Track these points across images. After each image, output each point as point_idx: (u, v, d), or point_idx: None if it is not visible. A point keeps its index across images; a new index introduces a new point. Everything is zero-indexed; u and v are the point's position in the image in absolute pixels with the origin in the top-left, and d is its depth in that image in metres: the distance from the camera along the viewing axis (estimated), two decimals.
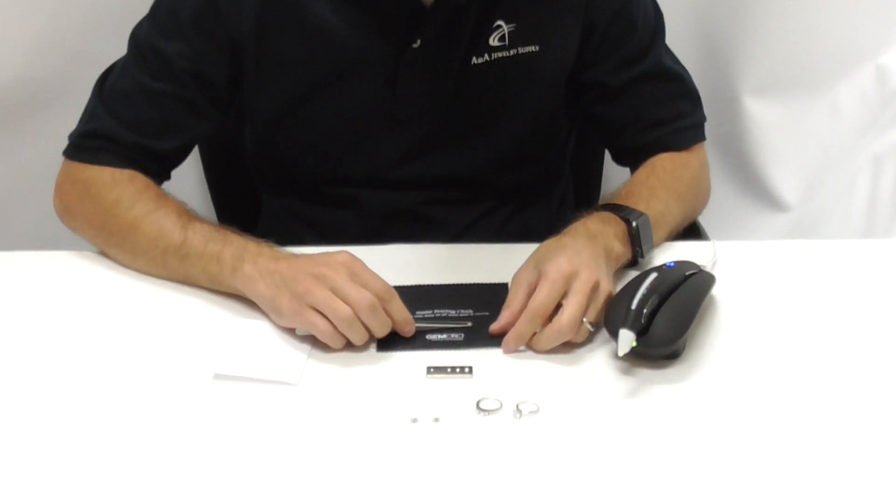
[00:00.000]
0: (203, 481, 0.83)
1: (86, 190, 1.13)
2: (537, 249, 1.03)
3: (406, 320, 0.98)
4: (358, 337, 0.96)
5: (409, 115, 1.19)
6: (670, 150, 1.22)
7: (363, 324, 0.95)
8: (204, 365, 0.96)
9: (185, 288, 1.08)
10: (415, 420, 0.89)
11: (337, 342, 0.96)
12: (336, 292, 0.95)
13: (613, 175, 1.46)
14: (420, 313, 1.02)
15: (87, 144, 1.15)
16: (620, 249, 1.07)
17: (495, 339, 0.99)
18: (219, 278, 1.04)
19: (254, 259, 1.01)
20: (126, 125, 1.14)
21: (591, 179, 1.50)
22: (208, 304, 1.06)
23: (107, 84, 1.17)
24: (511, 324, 0.98)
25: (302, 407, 0.91)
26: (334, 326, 0.95)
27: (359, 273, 0.97)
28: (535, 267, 1.00)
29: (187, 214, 1.09)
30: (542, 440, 0.87)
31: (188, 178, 1.45)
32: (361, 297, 0.95)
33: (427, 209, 1.26)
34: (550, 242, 1.03)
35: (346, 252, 0.98)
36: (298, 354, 0.97)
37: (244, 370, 0.95)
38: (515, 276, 1.01)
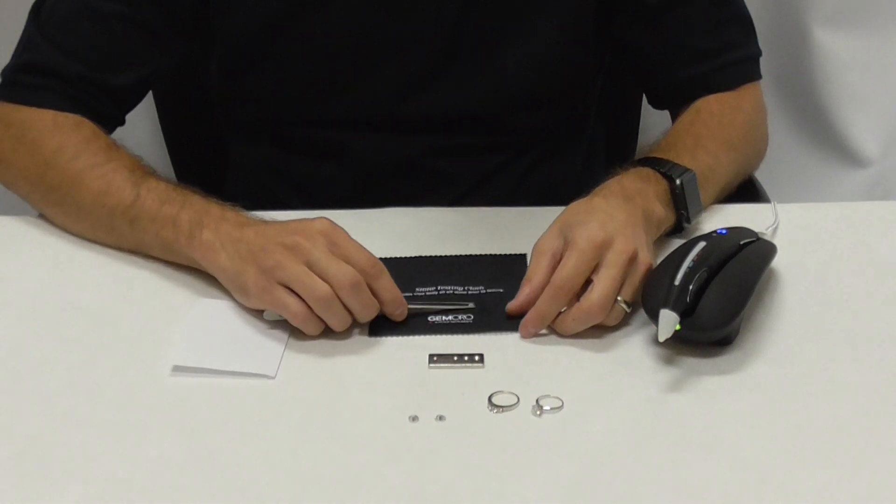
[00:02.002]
0: (161, 491, 0.83)
1: (21, 135, 1.13)
2: (563, 212, 1.03)
3: (396, 300, 0.98)
4: (338, 321, 0.96)
5: (408, 36, 1.19)
6: (718, 90, 1.22)
7: (344, 305, 0.95)
8: (160, 354, 0.96)
9: (137, 259, 1.08)
10: (415, 418, 0.89)
11: (312, 327, 0.96)
12: (312, 267, 0.95)
13: (652, 123, 1.45)
14: (421, 290, 1.03)
15: (22, 80, 1.15)
16: (662, 212, 1.07)
17: (511, 322, 0.99)
18: (173, 246, 1.04)
19: (215, 224, 1.01)
20: (69, 55, 1.14)
21: (625, 128, 1.50)
22: (165, 279, 1.06)
23: (45, 6, 1.16)
24: (531, 302, 0.98)
25: (280, 404, 0.91)
26: (309, 308, 0.95)
27: (339, 244, 0.96)
28: (561, 234, 1.00)
29: (142, 169, 1.09)
30: (567, 442, 0.87)
31: (139, 126, 1.45)
32: (342, 272, 0.94)
33: (429, 160, 1.26)
34: (579, 204, 1.03)
35: (325, 219, 0.98)
36: (275, 342, 0.97)
37: (209, 361, 0.95)
38: (537, 245, 1.01)
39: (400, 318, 0.99)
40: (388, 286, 0.97)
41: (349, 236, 0.97)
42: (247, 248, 0.98)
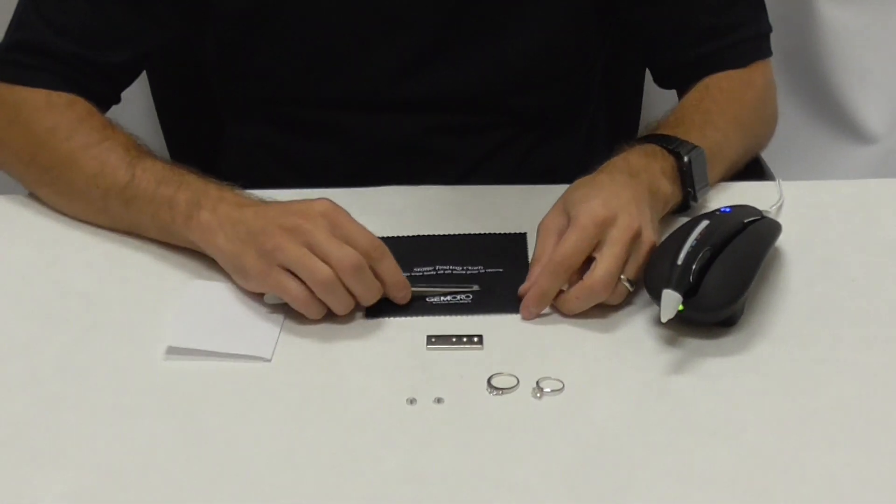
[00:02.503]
0: (153, 477, 0.82)
1: (14, 115, 1.12)
2: (567, 190, 1.03)
3: (400, 283, 0.98)
4: (340, 304, 0.95)
5: (408, 14, 1.18)
6: (728, 69, 1.21)
7: (346, 288, 0.95)
8: (155, 335, 0.96)
9: (132, 240, 1.07)
10: (412, 401, 0.89)
11: (314, 311, 0.96)
12: (313, 249, 0.94)
13: (654, 102, 1.44)
14: (419, 270, 1.02)
15: (15, 59, 1.15)
16: (668, 190, 1.06)
17: (511, 302, 0.98)
18: (170, 228, 1.03)
19: (213, 205, 1.01)
20: (62, 33, 1.14)
21: (627, 108, 1.49)
22: (160, 260, 1.05)
23: None
24: None
25: (276, 388, 0.91)
26: (311, 292, 0.95)
27: (341, 225, 0.96)
28: (565, 211, 0.99)
29: (137, 149, 1.09)
30: (568, 425, 0.86)
31: (134, 105, 1.44)
32: (344, 254, 0.94)
33: (429, 140, 1.25)
34: (583, 181, 1.03)
35: (326, 200, 0.98)
36: (271, 324, 0.97)
37: (204, 342, 0.94)
38: (541, 224, 1.01)
39: (403, 302, 0.98)
40: (391, 268, 0.97)
41: (351, 217, 0.97)
42: (246, 230, 0.97)
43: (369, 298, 0.96)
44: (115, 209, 1.07)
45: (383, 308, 0.98)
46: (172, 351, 0.94)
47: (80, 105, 1.12)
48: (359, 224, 0.97)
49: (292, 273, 0.95)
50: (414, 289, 0.99)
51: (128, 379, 0.92)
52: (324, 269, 0.94)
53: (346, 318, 0.97)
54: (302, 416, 0.88)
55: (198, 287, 1.01)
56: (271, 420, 0.87)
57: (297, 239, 0.95)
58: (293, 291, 0.95)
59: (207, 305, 0.99)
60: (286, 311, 0.97)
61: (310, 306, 0.95)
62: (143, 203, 1.05)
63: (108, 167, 1.06)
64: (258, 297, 0.99)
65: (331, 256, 0.94)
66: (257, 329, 0.96)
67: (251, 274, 0.97)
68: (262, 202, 1.01)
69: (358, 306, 0.97)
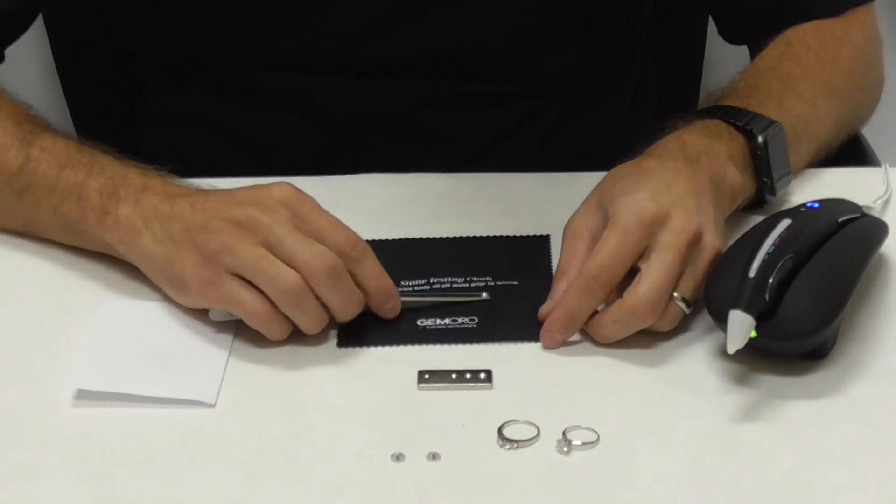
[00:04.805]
0: None
1: None
2: (603, 179, 1.03)
3: (386, 289, 0.98)
4: (311, 320, 0.96)
5: None
6: (816, 17, 1.22)
7: (318, 299, 0.95)
8: (58, 373, 0.96)
9: (28, 243, 1.08)
10: (399, 457, 0.89)
11: (277, 329, 0.96)
12: (273, 249, 0.95)
13: (719, 62, 1.44)
14: (407, 284, 1.03)
15: None
16: (738, 179, 1.07)
17: (530, 327, 0.99)
18: (79, 225, 1.03)
19: (136, 196, 1.01)
20: None
21: (684, 69, 1.50)
22: (66, 269, 1.06)
23: None
24: None
25: (221, 440, 0.91)
26: (272, 305, 0.95)
27: (308, 216, 0.96)
28: (600, 207, 1.00)
29: (31, 122, 1.09)
30: (604, 489, 0.86)
31: (26, 66, 1.46)
32: (314, 255, 0.94)
33: (422, 115, 1.26)
34: (624, 168, 1.04)
35: (287, 184, 0.98)
36: (214, 357, 0.97)
37: (124, 384, 0.95)
38: (570, 224, 1.01)
39: (391, 315, 0.99)
40: (374, 271, 0.97)
41: (319, 206, 0.97)
42: (181, 228, 0.98)
43: (348, 311, 0.97)
44: (4, 202, 1.07)
45: (361, 334, 0.99)
46: (82, 395, 0.94)
47: None
48: (330, 215, 0.97)
49: (246, 281, 0.95)
50: (409, 298, 1.00)
51: (24, 431, 0.92)
52: (288, 275, 0.94)
53: (314, 344, 0.98)
54: (255, 477, 0.88)
55: (115, 307, 1.02)
56: (215, 484, 0.87)
57: (250, 236, 0.95)
58: (248, 305, 0.95)
59: (127, 331, 0.99)
60: (236, 330, 0.98)
61: (271, 324, 0.96)
62: (41, 194, 1.05)
63: None
64: (199, 315, 0.99)
65: (297, 257, 0.94)
66: (196, 364, 0.97)
67: (190, 285, 0.97)
68: (201, 191, 1.01)
69: (332, 324, 0.98)
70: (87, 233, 1.04)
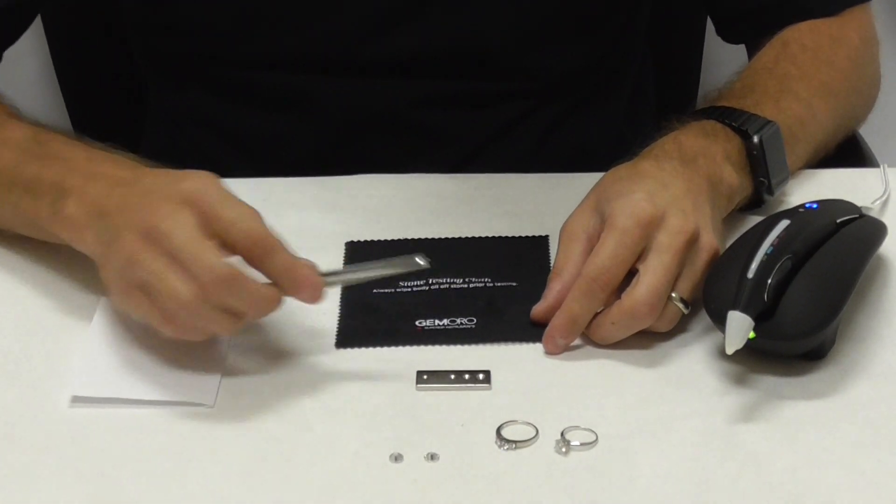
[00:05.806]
0: None
1: None
2: (600, 180, 1.03)
3: (298, 282, 0.92)
4: (218, 327, 0.92)
5: None
6: (813, 16, 1.22)
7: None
8: (57, 376, 0.96)
9: (28, 243, 1.07)
10: (397, 458, 0.89)
11: (195, 335, 0.93)
12: (175, 258, 0.90)
13: (717, 62, 1.45)
14: (406, 285, 1.03)
15: None
16: (735, 180, 1.07)
17: (530, 328, 0.99)
18: (38, 223, 1.02)
19: (81, 187, 0.97)
20: None
21: (682, 68, 1.50)
22: (66, 268, 1.05)
23: None
24: (562, 302, 0.98)
25: (220, 442, 0.91)
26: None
27: (213, 213, 0.91)
28: (597, 209, 1.00)
29: (2, 112, 1.09)
30: (602, 489, 0.86)
31: (23, 65, 1.45)
32: (206, 266, 0.89)
33: (419, 113, 1.26)
34: (621, 169, 1.04)
35: (200, 177, 0.94)
36: (212, 357, 0.97)
37: (120, 389, 0.95)
38: (566, 225, 1.01)
39: (314, 302, 0.93)
40: (283, 265, 0.92)
41: (228, 198, 0.93)
42: (110, 228, 0.94)
43: (260, 312, 0.93)
44: None
45: (359, 334, 0.99)
46: (79, 401, 0.94)
47: None
48: (239, 206, 0.92)
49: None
50: (336, 277, 0.96)
51: (22, 432, 0.92)
52: (182, 291, 0.90)
53: (313, 345, 0.98)
54: (253, 478, 0.88)
55: (109, 308, 1.01)
56: (212, 485, 0.87)
57: (152, 247, 0.91)
58: (148, 316, 0.92)
59: (126, 333, 0.99)
60: (231, 337, 0.97)
61: (187, 333, 0.92)
62: (3, 189, 1.03)
63: None
64: None
65: (192, 270, 0.90)
66: (193, 364, 0.96)
67: (113, 293, 0.95)
68: (143, 174, 0.97)
69: (330, 326, 0.98)
70: (45, 229, 1.01)
